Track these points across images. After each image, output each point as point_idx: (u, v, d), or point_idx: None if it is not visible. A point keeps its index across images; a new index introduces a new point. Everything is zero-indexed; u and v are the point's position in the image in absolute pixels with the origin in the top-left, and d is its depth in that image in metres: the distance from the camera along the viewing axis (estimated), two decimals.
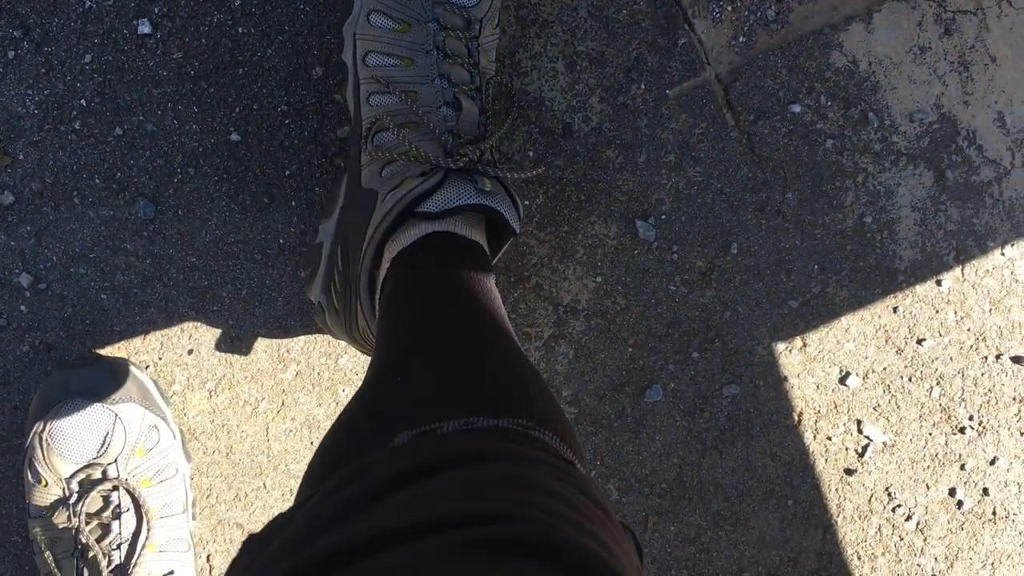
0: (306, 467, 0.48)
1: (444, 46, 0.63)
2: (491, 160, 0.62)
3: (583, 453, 0.46)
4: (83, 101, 0.71)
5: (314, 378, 0.76)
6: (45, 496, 0.66)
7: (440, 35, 0.63)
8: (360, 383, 0.79)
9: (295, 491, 0.81)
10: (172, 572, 0.69)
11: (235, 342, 0.75)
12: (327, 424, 0.76)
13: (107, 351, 0.73)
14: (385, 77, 0.64)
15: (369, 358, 0.71)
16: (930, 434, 0.81)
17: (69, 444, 0.66)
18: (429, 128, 0.62)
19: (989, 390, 0.81)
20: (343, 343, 0.75)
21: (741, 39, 0.75)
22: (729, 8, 0.74)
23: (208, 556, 0.78)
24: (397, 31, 0.64)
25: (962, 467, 0.82)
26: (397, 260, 0.58)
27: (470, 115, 0.63)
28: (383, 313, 0.58)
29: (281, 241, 0.74)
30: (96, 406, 0.66)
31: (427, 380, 0.48)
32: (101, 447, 0.66)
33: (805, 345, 0.79)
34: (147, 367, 0.74)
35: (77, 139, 0.72)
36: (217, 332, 0.74)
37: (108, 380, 0.68)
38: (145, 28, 0.71)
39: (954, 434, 0.81)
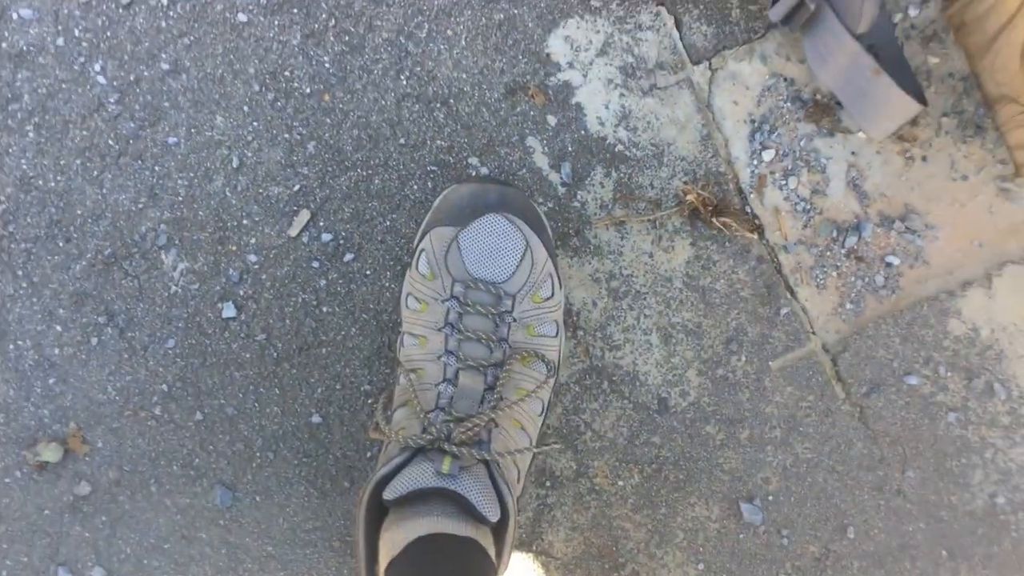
0: None
1: (460, 323, 0.63)
2: (472, 440, 0.59)
3: None
4: (164, 386, 0.69)
5: None
6: None
7: (456, 312, 0.63)
8: None
9: None
10: None
11: None
12: None
13: None
14: (406, 357, 0.64)
15: None
16: None
17: None
18: (417, 406, 0.61)
19: None
20: None
21: (848, 306, 0.69)
22: (834, 274, 0.69)
23: None
24: (418, 312, 0.65)
25: None
26: (388, 572, 0.55)
27: (466, 391, 0.61)
28: None
29: None
30: None
31: None
32: None
33: None
34: None
35: (157, 425, 0.69)
36: None
37: None
38: (230, 311, 0.69)
39: None
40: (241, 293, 0.71)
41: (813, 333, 0.72)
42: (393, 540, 0.55)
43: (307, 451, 0.71)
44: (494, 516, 0.57)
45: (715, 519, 0.72)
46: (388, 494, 0.56)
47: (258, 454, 0.71)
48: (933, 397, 0.71)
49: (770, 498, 0.71)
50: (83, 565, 0.71)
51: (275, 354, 0.71)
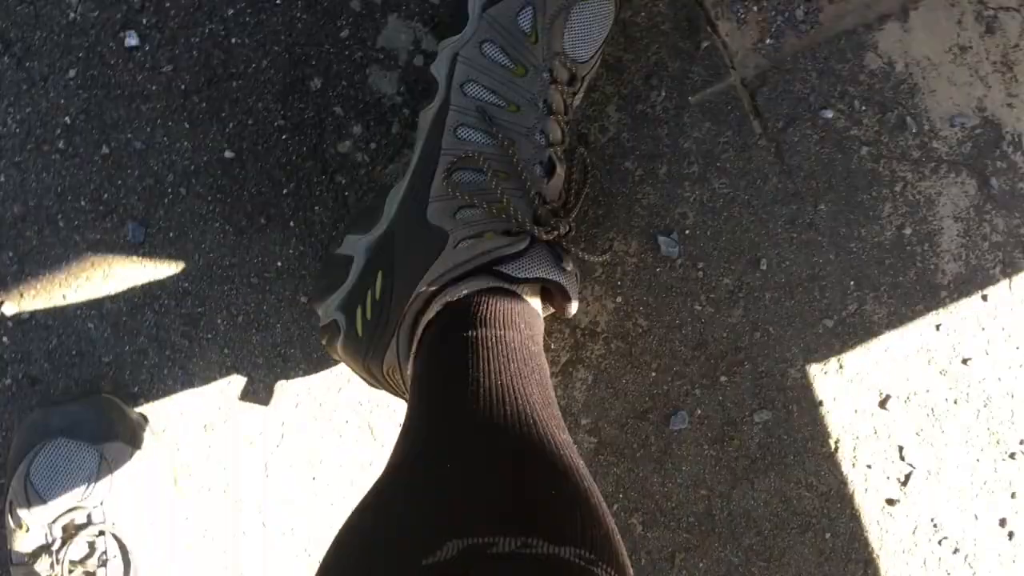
0: (320, 571, 0.40)
1: (550, 100, 0.63)
2: (572, 236, 0.63)
3: None
4: (67, 119, 0.66)
5: (316, 409, 0.69)
6: (27, 542, 0.62)
7: (550, 87, 0.62)
8: (365, 417, 0.73)
9: (295, 530, 0.74)
10: None
11: (231, 371, 0.68)
12: (329, 460, 0.70)
13: (95, 384, 0.67)
14: (489, 114, 0.62)
15: (377, 391, 0.64)
16: (977, 460, 0.75)
17: (51, 487, 0.61)
18: (523, 184, 0.61)
19: None
20: (347, 372, 0.69)
21: (768, 41, 0.69)
22: (754, 8, 0.69)
23: None
24: (511, 71, 0.63)
25: (1013, 495, 0.76)
26: (451, 307, 0.59)
27: (559, 180, 0.63)
28: (424, 376, 0.53)
29: (279, 264, 0.69)
30: (80, 446, 0.62)
31: (477, 480, 0.41)
32: (86, 490, 0.60)
33: (842, 367, 0.73)
34: (137, 401, 0.68)
35: (61, 159, 0.67)
36: (212, 361, 0.68)
37: (93, 418, 0.63)
38: (132, 40, 0.66)
39: (1004, 460, 0.76)
40: (144, 22, 0.68)
41: (732, 68, 0.72)
42: (465, 285, 0.57)
43: (221, 187, 0.70)
44: (575, 308, 0.61)
45: (633, 253, 0.73)
46: (513, 270, 0.58)
47: (170, 190, 0.69)
48: (847, 131, 0.72)
49: (687, 232, 0.72)
50: None
51: (183, 87, 0.69)
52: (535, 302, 0.62)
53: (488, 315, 0.57)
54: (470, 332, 0.55)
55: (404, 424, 0.54)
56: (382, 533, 0.43)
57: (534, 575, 0.38)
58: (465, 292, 0.58)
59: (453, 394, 0.52)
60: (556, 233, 0.60)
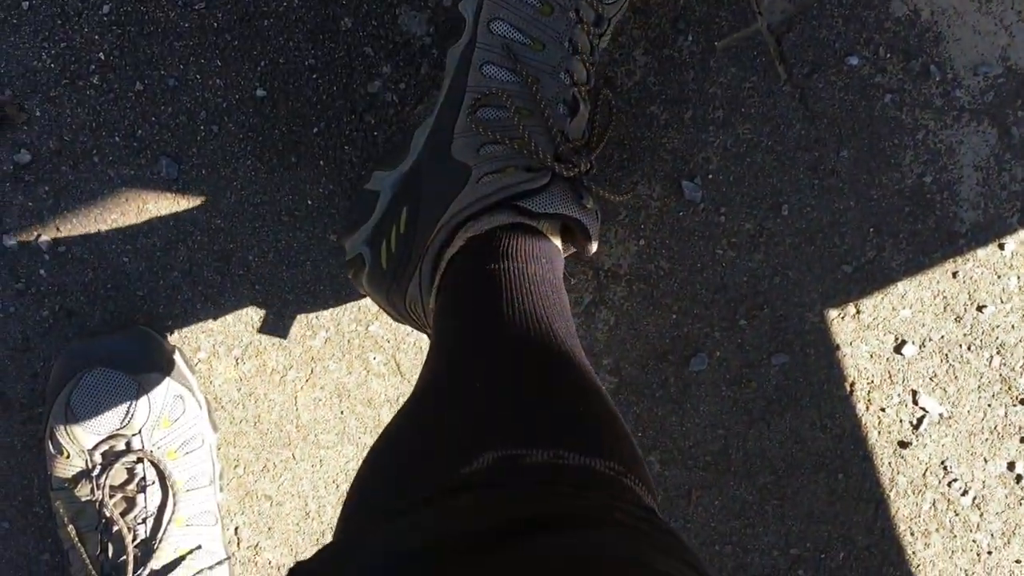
0: (356, 480, 0.43)
1: (575, 39, 0.64)
2: (593, 175, 0.64)
3: (656, 495, 0.43)
4: (101, 55, 0.68)
5: (344, 345, 0.73)
6: (67, 468, 0.65)
7: (576, 27, 0.64)
8: (391, 353, 0.76)
9: (323, 462, 0.78)
10: (199, 546, 0.68)
11: (262, 307, 0.71)
12: (357, 393, 0.74)
13: (130, 317, 0.70)
14: (514, 52, 0.63)
15: (402, 327, 0.67)
16: (989, 405, 0.78)
17: (91, 415, 0.64)
18: (545, 122, 0.62)
19: None
20: (374, 309, 0.71)
21: None
22: None
23: (236, 528, 0.76)
24: (538, 10, 0.64)
25: (1022, 440, 0.78)
26: (474, 242, 0.60)
27: (582, 120, 0.64)
28: (449, 303, 0.55)
29: (309, 203, 0.71)
30: (119, 376, 0.65)
31: (507, 395, 0.43)
32: (125, 418, 0.64)
33: (859, 312, 0.75)
34: (171, 334, 0.71)
35: (96, 95, 0.69)
36: (243, 297, 0.71)
37: (131, 349, 0.66)
38: None
39: (1014, 405, 0.78)
40: None
41: (759, 13, 0.73)
42: (488, 220, 0.59)
43: (252, 125, 0.72)
44: (595, 247, 0.63)
45: (657, 197, 0.74)
46: (532, 205, 0.59)
47: (202, 127, 0.71)
48: (871, 78, 0.74)
49: (710, 177, 0.74)
50: (28, 233, 0.71)
51: (215, 24, 0.71)
52: (555, 240, 0.63)
53: (511, 249, 0.58)
54: (493, 264, 0.57)
55: (429, 352, 0.57)
56: (419, 443, 0.45)
57: (567, 484, 0.40)
58: (488, 226, 0.59)
59: (480, 318, 0.54)
60: (577, 170, 0.61)
